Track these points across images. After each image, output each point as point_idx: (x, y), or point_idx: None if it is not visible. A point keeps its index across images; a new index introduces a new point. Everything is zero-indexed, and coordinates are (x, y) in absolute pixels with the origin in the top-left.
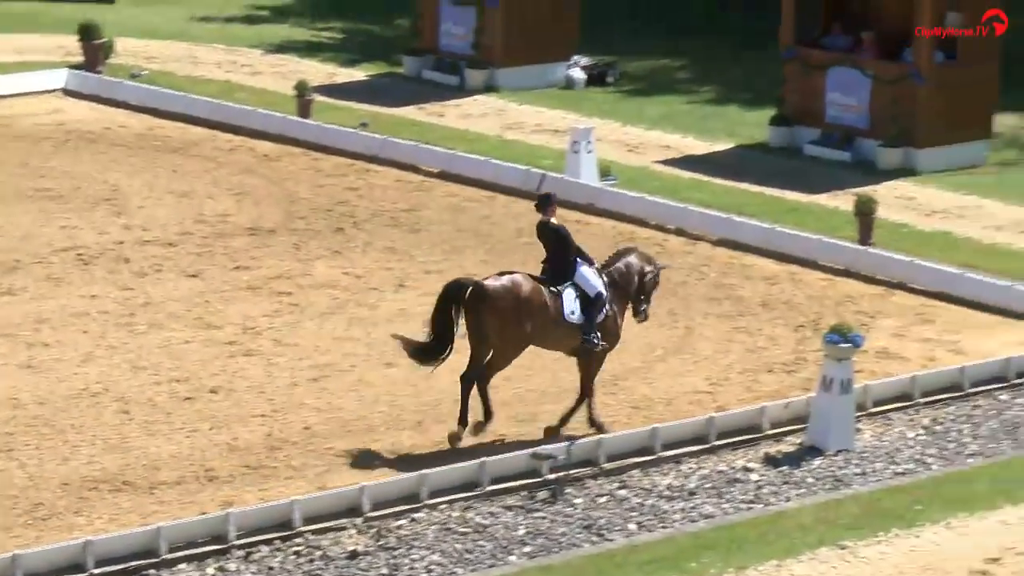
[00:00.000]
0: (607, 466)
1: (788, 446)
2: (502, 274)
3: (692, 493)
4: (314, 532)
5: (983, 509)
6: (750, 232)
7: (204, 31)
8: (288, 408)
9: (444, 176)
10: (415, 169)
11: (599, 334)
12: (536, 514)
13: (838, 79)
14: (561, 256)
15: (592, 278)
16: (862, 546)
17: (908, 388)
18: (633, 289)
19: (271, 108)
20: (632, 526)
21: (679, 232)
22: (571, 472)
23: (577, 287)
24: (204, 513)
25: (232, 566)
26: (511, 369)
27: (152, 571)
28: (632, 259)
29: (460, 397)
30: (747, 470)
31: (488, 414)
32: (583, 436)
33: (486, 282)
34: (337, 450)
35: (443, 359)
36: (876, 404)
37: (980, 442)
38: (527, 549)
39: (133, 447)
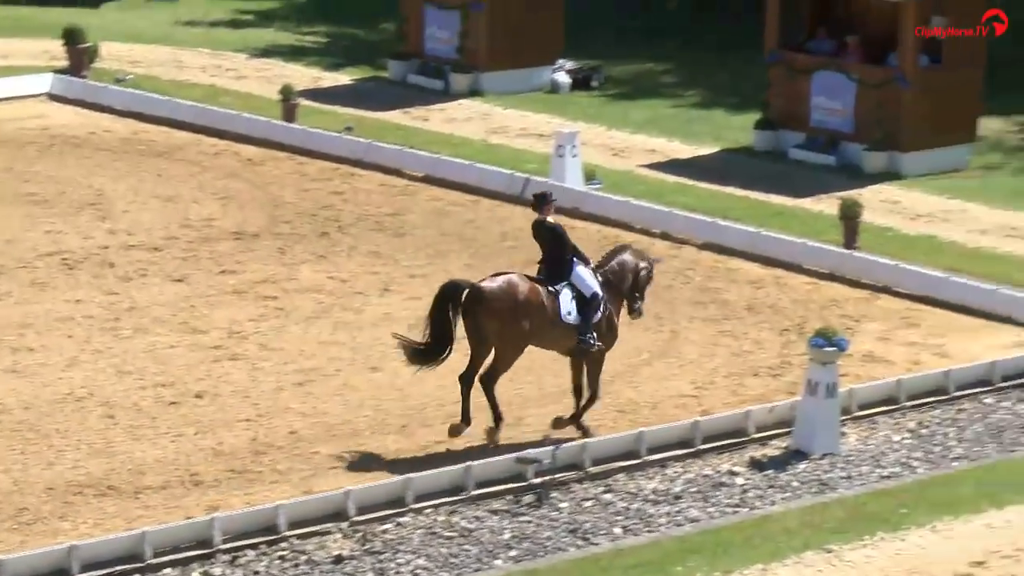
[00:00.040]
0: (592, 470)
1: (773, 450)
2: (497, 275)
3: (678, 497)
4: (299, 536)
5: (968, 512)
6: (735, 236)
7: (189, 35)
8: (273, 412)
9: (429, 180)
10: (400, 173)
11: (595, 335)
12: (522, 518)
13: (823, 83)
14: (558, 255)
15: (588, 278)
16: (847, 550)
17: (893, 392)
18: (627, 287)
19: (256, 112)
20: (618, 530)
21: (664, 236)
22: (556, 476)
23: (574, 287)
24: (189, 518)
25: (217, 571)
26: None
27: None
28: (626, 257)
29: (461, 396)
30: (732, 474)
31: (497, 419)
32: (568, 440)
33: (482, 284)
34: (322, 454)
35: (442, 360)
36: (861, 408)
37: (965, 445)
38: (513, 553)
39: (118, 452)
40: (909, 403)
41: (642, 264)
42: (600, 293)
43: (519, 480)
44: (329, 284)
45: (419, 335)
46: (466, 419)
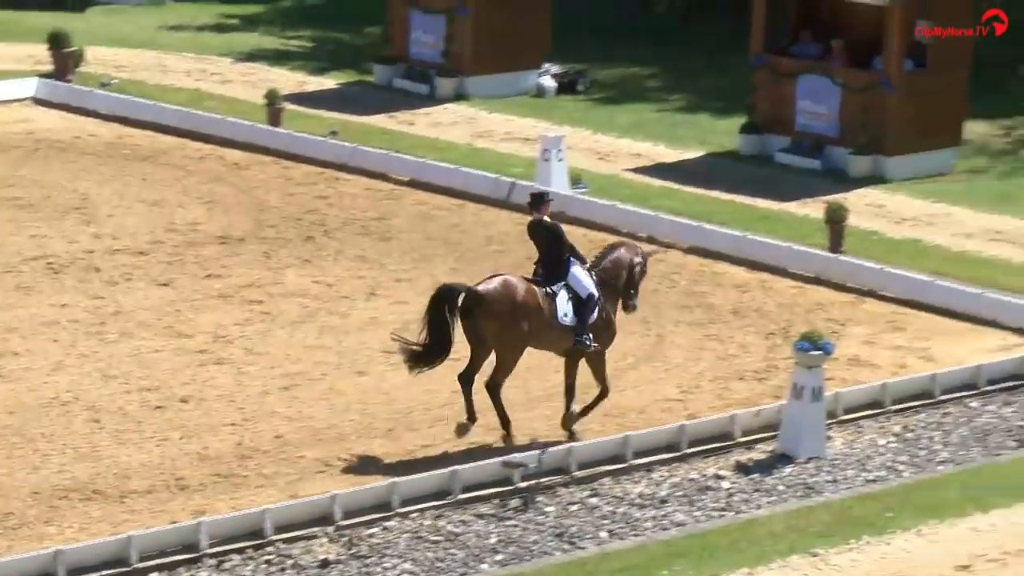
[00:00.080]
0: (579, 474)
1: (759, 454)
2: (493, 277)
3: (663, 501)
4: (285, 541)
5: (954, 516)
6: (721, 240)
7: (174, 40)
8: (259, 417)
9: (414, 184)
10: (385, 177)
11: (591, 335)
12: (508, 522)
13: (808, 87)
14: (555, 255)
15: (584, 279)
16: (833, 553)
17: (879, 395)
18: (622, 283)
19: (241, 116)
20: (604, 534)
21: (650, 240)
22: (543, 480)
23: (570, 288)
24: (175, 522)
25: (203, 575)
26: (483, 378)
27: None
28: (620, 253)
29: (463, 396)
30: (718, 478)
31: (505, 422)
32: (555, 444)
33: (480, 287)
34: (308, 458)
35: (441, 361)
36: (847, 411)
37: (951, 449)
38: (499, 557)
39: (103, 456)
40: (894, 407)
41: (636, 259)
42: (596, 294)
43: (505, 484)
44: (315, 288)
45: (415, 337)
46: (471, 417)
